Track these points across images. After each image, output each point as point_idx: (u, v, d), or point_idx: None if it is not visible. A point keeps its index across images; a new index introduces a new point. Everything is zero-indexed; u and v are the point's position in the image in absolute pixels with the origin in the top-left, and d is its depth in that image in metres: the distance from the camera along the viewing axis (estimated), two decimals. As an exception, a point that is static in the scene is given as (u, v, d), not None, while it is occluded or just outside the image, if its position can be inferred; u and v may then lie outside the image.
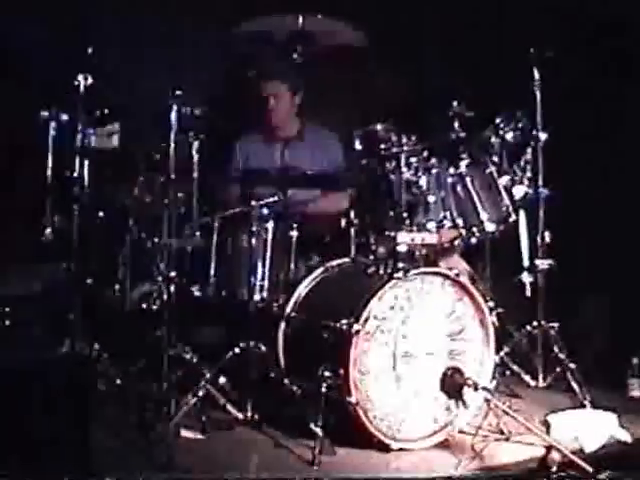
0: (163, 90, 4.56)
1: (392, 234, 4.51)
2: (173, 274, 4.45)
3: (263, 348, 4.53)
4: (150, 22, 5.83)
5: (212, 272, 4.74)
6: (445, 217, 4.64)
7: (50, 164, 4.78)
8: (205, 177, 4.75)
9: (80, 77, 4.71)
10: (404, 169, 4.54)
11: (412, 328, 4.32)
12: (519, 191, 4.85)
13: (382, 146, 4.57)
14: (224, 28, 5.62)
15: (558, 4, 5.57)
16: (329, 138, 5.62)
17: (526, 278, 5.09)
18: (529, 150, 4.93)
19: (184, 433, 4.30)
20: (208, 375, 4.45)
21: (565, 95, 5.36)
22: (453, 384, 4.29)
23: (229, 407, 4.47)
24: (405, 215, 4.52)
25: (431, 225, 4.60)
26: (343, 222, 4.89)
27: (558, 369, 4.95)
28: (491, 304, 4.72)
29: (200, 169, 4.70)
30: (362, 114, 5.38)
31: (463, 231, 4.68)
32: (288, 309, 4.62)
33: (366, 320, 4.21)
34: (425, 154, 4.65)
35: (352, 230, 4.84)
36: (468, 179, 4.71)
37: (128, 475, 3.85)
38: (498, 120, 4.80)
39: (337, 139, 5.61)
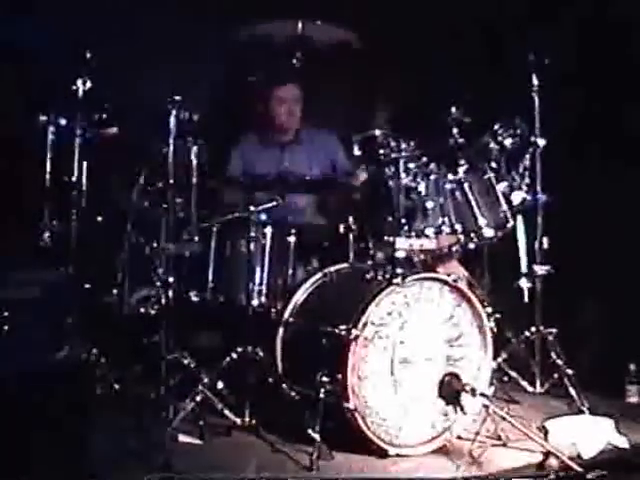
0: (162, 95, 4.56)
1: (390, 240, 4.51)
2: (171, 279, 4.46)
3: (261, 353, 4.53)
4: (149, 26, 5.84)
5: (210, 277, 4.75)
6: (443, 223, 4.64)
7: (48, 168, 4.79)
8: (204, 182, 4.76)
9: (79, 81, 4.72)
10: (403, 175, 4.55)
11: (410, 334, 4.32)
12: (517, 197, 4.84)
13: (381, 152, 4.58)
14: (224, 33, 5.63)
15: (557, 9, 5.58)
16: (327, 138, 5.62)
17: (524, 284, 5.10)
18: (527, 156, 4.93)
19: (182, 438, 4.30)
20: (206, 380, 4.45)
21: (563, 100, 5.37)
22: (451, 390, 4.29)
23: (227, 412, 4.47)
24: (403, 221, 4.52)
25: (429, 231, 4.60)
26: (342, 227, 4.90)
27: (556, 375, 4.95)
28: (489, 310, 4.71)
29: (199, 174, 4.71)
30: (361, 119, 5.39)
31: (461, 237, 4.68)
32: (286, 314, 4.62)
33: (364, 326, 4.21)
34: (424, 160, 4.66)
35: (351, 236, 4.85)
36: (466, 185, 4.71)
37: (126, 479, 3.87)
38: (497, 126, 4.80)
39: (336, 138, 5.60)
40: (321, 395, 4.19)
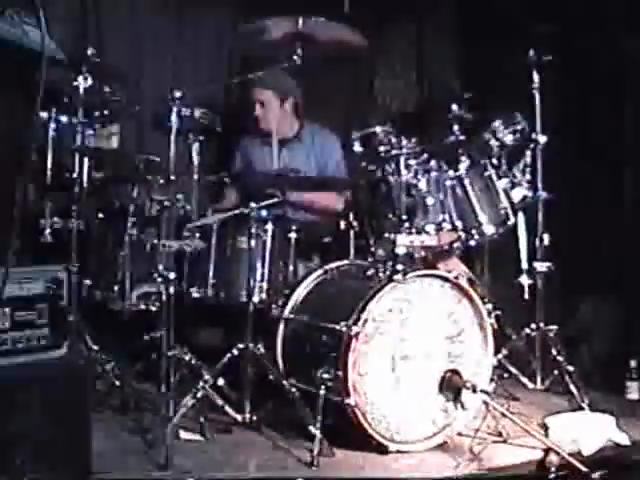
0: (163, 91, 4.55)
1: (391, 236, 4.51)
2: (172, 275, 4.45)
3: (262, 350, 4.52)
4: (150, 23, 5.84)
5: (211, 273, 4.74)
6: (444, 219, 4.64)
7: (49, 165, 4.79)
8: (205, 178, 4.76)
9: (80, 78, 4.71)
10: (403, 171, 4.55)
11: (411, 330, 4.33)
12: (518, 194, 4.85)
13: (381, 148, 4.58)
14: (224, 30, 5.62)
15: (557, 6, 5.58)
16: (328, 138, 5.63)
17: (525, 281, 5.09)
18: (528, 153, 4.93)
19: (183, 435, 4.30)
20: (207, 377, 4.44)
21: (564, 97, 5.37)
22: (451, 386, 4.29)
23: (228, 409, 4.46)
24: (404, 217, 4.52)
25: (430, 227, 4.60)
26: (342, 224, 4.90)
27: (556, 372, 4.95)
28: (490, 306, 4.73)
29: (200, 170, 4.71)
30: (361, 116, 5.39)
31: (462, 234, 4.68)
32: (287, 311, 4.63)
33: (365, 322, 4.22)
34: (424, 156, 4.66)
35: (351, 232, 4.85)
36: (467, 182, 4.71)
37: (126, 477, 3.86)
38: (497, 123, 4.80)
39: (337, 139, 5.62)
40: (322, 391, 4.19)
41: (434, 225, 4.62)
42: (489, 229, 4.71)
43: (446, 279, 4.43)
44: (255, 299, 4.63)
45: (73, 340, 4.53)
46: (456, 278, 4.44)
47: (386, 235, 4.56)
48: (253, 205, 4.63)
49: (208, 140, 4.80)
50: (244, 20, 5.58)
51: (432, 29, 6.01)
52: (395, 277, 4.32)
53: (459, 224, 4.67)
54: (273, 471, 4.05)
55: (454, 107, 4.77)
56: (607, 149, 5.63)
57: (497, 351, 4.76)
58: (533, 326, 5.08)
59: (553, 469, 4.01)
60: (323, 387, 4.20)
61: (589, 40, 5.51)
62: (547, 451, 4.09)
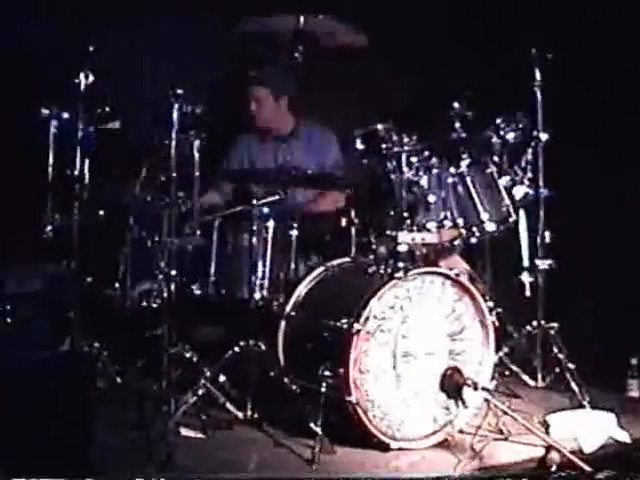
0: (164, 88, 4.55)
1: (393, 234, 4.51)
2: (173, 273, 4.45)
3: (263, 347, 4.53)
4: (151, 20, 5.83)
5: (212, 271, 4.75)
6: (445, 217, 4.64)
7: (51, 162, 4.78)
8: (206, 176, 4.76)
9: (81, 75, 4.71)
10: (405, 169, 4.55)
11: (412, 328, 4.33)
12: (519, 191, 4.84)
13: (383, 146, 4.57)
14: (225, 27, 5.62)
15: (558, 4, 5.58)
16: (325, 135, 5.64)
17: (526, 278, 5.10)
18: (530, 150, 4.93)
19: (184, 432, 4.31)
20: (208, 374, 4.45)
21: (566, 95, 5.36)
22: (453, 384, 4.29)
23: (229, 406, 4.47)
24: (406, 215, 4.53)
25: (431, 225, 4.60)
26: (344, 221, 4.90)
27: (557, 369, 4.95)
28: (491, 304, 4.72)
29: (201, 168, 4.71)
30: (363, 114, 5.38)
31: (463, 231, 4.68)
32: (288, 308, 4.62)
33: (366, 320, 4.22)
34: (426, 154, 4.65)
35: (353, 229, 4.85)
36: (469, 179, 4.70)
37: (128, 474, 3.86)
38: (499, 120, 4.80)
39: (334, 136, 5.62)
40: (323, 389, 4.19)
41: (435, 222, 4.61)
42: (490, 226, 4.70)
43: (447, 276, 4.43)
44: (256, 296, 4.64)
45: (74, 337, 4.54)
46: (457, 275, 4.44)
47: (387, 232, 4.56)
48: (255, 202, 4.63)
49: (209, 136, 4.79)
50: (245, 18, 5.57)
51: (433, 26, 5.99)
52: (396, 274, 4.32)
53: (460, 221, 4.66)
54: (274, 468, 4.06)
55: (456, 104, 4.77)
56: (609, 145, 5.63)
57: (498, 349, 4.76)
58: (534, 323, 5.08)
59: (554, 467, 4.01)
60: (324, 384, 4.20)
61: (591, 37, 5.51)
62: (548, 449, 4.09)
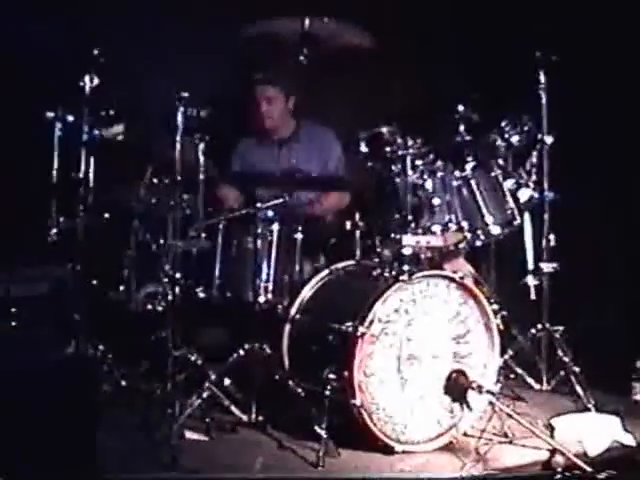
0: (169, 91, 4.55)
1: (397, 237, 4.51)
2: (178, 276, 4.45)
3: (268, 350, 4.53)
4: (156, 23, 5.84)
5: (217, 274, 4.75)
6: (450, 220, 4.63)
7: (56, 165, 4.79)
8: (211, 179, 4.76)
9: (86, 78, 4.72)
10: (409, 172, 4.55)
11: (417, 331, 4.33)
12: (524, 194, 4.84)
13: (388, 149, 4.58)
14: (230, 30, 5.62)
15: (563, 7, 5.58)
16: (326, 136, 5.63)
17: (531, 281, 5.10)
18: (534, 153, 4.93)
19: (188, 434, 4.31)
20: (213, 377, 4.45)
21: (571, 98, 5.36)
22: (457, 387, 4.29)
23: (233, 409, 4.47)
24: (410, 218, 4.52)
25: (436, 228, 4.60)
26: (348, 224, 4.90)
27: (562, 372, 4.95)
28: (496, 307, 4.74)
29: (206, 171, 4.71)
30: (368, 116, 5.38)
31: (468, 234, 4.67)
32: (293, 311, 4.63)
33: (371, 323, 4.22)
34: (431, 157, 4.65)
35: (357, 232, 4.85)
36: (473, 182, 4.70)
37: (132, 476, 3.86)
38: (504, 123, 4.80)
39: (334, 136, 5.62)
40: (327, 392, 4.20)
41: (440, 225, 4.61)
42: (495, 229, 4.70)
43: (452, 279, 4.43)
44: (261, 299, 4.64)
45: (79, 340, 4.54)
46: (462, 278, 4.44)
47: (392, 235, 4.56)
48: (259, 205, 4.63)
49: (213, 139, 4.80)
50: (250, 20, 5.57)
51: (439, 28, 5.99)
52: (401, 277, 4.32)
53: (465, 224, 4.66)
54: (278, 471, 4.06)
55: (460, 107, 4.77)
56: (614, 149, 5.62)
57: (503, 352, 4.76)
58: (539, 326, 5.08)
59: (559, 470, 4.01)
60: (329, 387, 4.20)
61: (596, 40, 5.50)
62: (553, 452, 4.09)
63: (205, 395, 4.39)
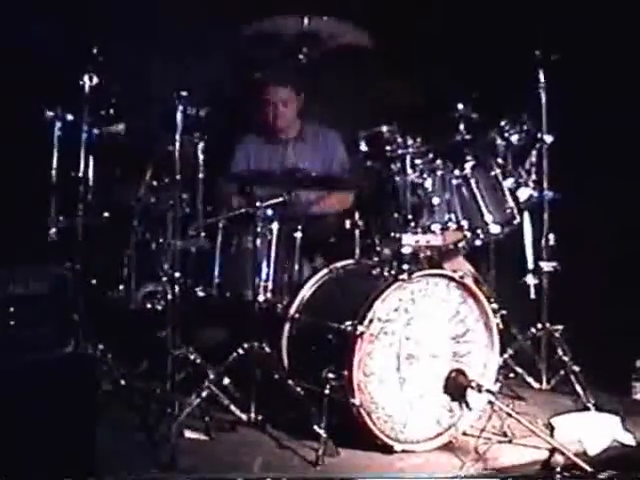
0: (169, 90, 4.55)
1: (397, 236, 4.51)
2: (177, 275, 4.45)
3: (267, 349, 4.53)
4: (156, 22, 5.83)
5: (216, 273, 4.75)
6: (450, 219, 4.63)
7: (55, 164, 4.79)
8: (210, 178, 4.76)
9: (85, 77, 4.72)
10: (409, 171, 4.54)
11: (416, 330, 4.32)
12: (524, 193, 4.84)
13: (387, 148, 4.57)
14: (230, 29, 5.62)
15: (563, 6, 5.57)
16: (329, 136, 5.63)
17: (530, 280, 5.09)
18: (534, 152, 4.93)
19: (188, 434, 4.31)
20: (212, 376, 4.45)
21: (570, 97, 5.36)
22: (457, 386, 4.29)
23: (233, 408, 4.47)
24: (410, 217, 4.52)
25: (436, 227, 4.59)
26: (348, 224, 4.90)
27: (562, 372, 4.94)
28: (495, 306, 4.73)
29: (205, 170, 4.71)
30: (367, 116, 5.38)
31: (468, 233, 4.67)
32: (292, 310, 4.62)
33: (370, 322, 4.21)
34: (430, 156, 4.65)
35: (357, 232, 4.85)
36: (473, 181, 4.70)
37: (132, 476, 3.86)
38: (503, 122, 4.80)
39: (338, 136, 5.61)
40: (327, 391, 4.19)
41: (440, 224, 4.60)
42: (495, 228, 4.69)
43: (452, 278, 4.42)
44: (260, 298, 4.64)
45: (79, 339, 4.54)
46: (462, 278, 4.43)
47: (392, 234, 4.56)
48: (259, 204, 4.63)
49: (213, 139, 4.79)
50: (250, 19, 5.57)
51: (437, 27, 5.99)
52: (401, 277, 4.32)
53: (465, 223, 4.65)
54: (278, 470, 4.06)
55: (460, 106, 4.77)
56: (614, 148, 5.62)
57: (503, 351, 4.75)
58: (539, 326, 5.08)
59: (558, 469, 4.01)
60: (328, 387, 4.20)
61: (596, 38, 5.50)
62: (552, 451, 4.09)
63: (204, 394, 4.39)
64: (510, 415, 4.26)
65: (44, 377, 3.62)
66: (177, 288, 4.44)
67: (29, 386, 3.54)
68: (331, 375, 4.22)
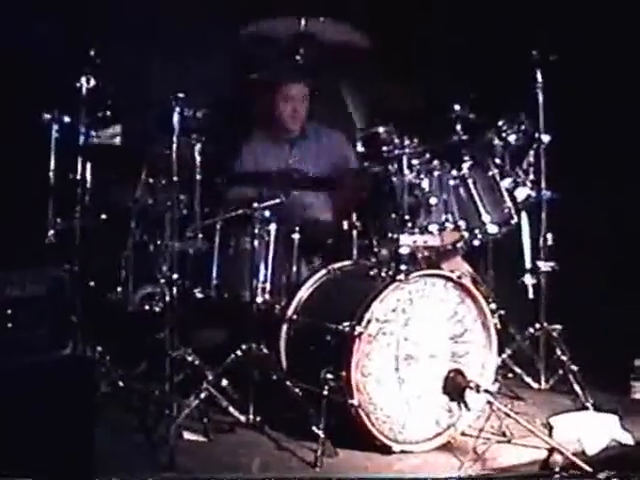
0: (166, 92, 4.55)
1: (394, 236, 4.51)
2: (175, 276, 4.45)
3: (265, 350, 4.53)
4: (154, 23, 5.84)
5: (214, 274, 4.75)
6: (447, 219, 4.63)
7: (52, 166, 4.79)
8: (208, 179, 4.75)
9: (82, 79, 4.72)
10: (406, 171, 4.54)
11: (414, 330, 4.32)
12: (521, 193, 4.85)
13: (384, 148, 4.57)
14: (228, 30, 5.62)
15: (560, 6, 5.58)
16: (334, 136, 5.61)
17: (528, 280, 5.10)
18: (531, 152, 4.93)
19: (186, 435, 4.31)
20: (210, 377, 4.45)
21: (567, 97, 5.36)
22: (455, 386, 4.29)
23: (231, 409, 4.47)
24: (407, 217, 4.52)
25: (433, 227, 4.59)
26: (345, 224, 4.89)
27: (560, 371, 4.95)
28: (493, 306, 4.73)
29: (202, 171, 4.70)
30: (365, 116, 5.39)
31: (465, 233, 4.67)
32: (290, 311, 4.62)
33: (368, 322, 4.21)
34: (427, 156, 4.65)
35: (354, 232, 4.84)
36: (470, 181, 4.70)
37: (130, 477, 3.86)
38: (501, 122, 4.81)
39: (343, 136, 5.59)
40: (325, 392, 4.19)
41: (437, 225, 4.61)
42: (492, 229, 4.69)
43: (449, 279, 4.42)
44: (258, 300, 4.64)
45: (77, 341, 4.54)
46: (459, 278, 4.43)
47: (389, 235, 4.56)
48: (256, 205, 4.63)
49: (211, 140, 4.79)
50: (249, 20, 5.56)
51: (434, 28, 5.99)
52: (398, 277, 4.32)
53: (462, 224, 4.66)
54: (277, 471, 4.06)
55: (457, 107, 4.77)
56: (611, 148, 5.62)
57: (501, 351, 4.75)
58: (537, 326, 5.08)
59: (557, 469, 4.01)
60: (326, 387, 4.19)
61: (594, 38, 5.51)
62: (551, 451, 4.09)
63: (203, 395, 4.39)
64: (509, 415, 4.26)
65: (42, 379, 3.61)
66: (175, 290, 4.44)
67: (27, 388, 3.53)
68: (329, 376, 4.22)
